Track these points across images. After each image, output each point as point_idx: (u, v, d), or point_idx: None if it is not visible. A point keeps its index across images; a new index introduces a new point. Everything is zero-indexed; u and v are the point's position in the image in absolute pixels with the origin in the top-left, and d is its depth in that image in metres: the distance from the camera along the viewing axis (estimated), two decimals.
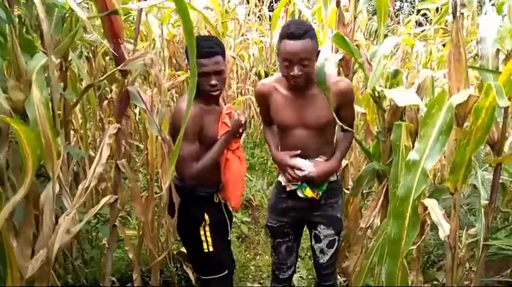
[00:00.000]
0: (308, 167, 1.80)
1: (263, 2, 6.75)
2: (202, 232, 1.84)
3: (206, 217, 1.84)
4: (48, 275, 1.48)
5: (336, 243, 1.93)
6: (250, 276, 2.95)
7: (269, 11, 6.42)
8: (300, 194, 1.86)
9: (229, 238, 2.02)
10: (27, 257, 1.37)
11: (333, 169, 1.86)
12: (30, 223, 1.36)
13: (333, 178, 1.89)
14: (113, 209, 1.83)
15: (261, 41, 4.92)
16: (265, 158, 5.42)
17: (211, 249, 1.86)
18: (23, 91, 1.50)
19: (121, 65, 1.63)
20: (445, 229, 1.45)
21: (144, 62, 1.64)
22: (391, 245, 1.37)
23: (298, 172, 1.79)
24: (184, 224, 1.86)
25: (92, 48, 2.91)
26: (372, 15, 7.34)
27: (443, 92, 1.28)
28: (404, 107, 1.90)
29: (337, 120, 1.76)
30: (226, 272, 1.92)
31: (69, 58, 2.34)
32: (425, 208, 1.56)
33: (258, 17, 6.29)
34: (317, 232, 1.93)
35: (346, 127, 1.81)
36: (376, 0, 2.33)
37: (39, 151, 1.39)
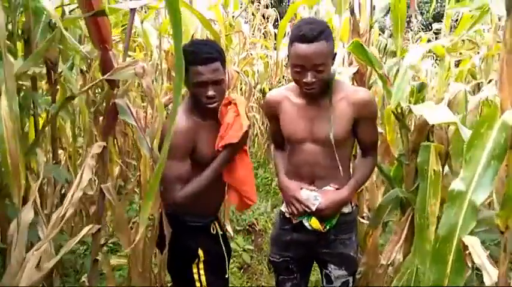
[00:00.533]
0: (316, 199, 1.57)
1: (268, 19, 6.63)
2: (195, 270, 1.59)
3: (200, 252, 1.58)
4: None
5: (351, 284, 1.67)
6: None
7: (274, 27, 6.29)
8: (305, 222, 1.61)
9: (227, 276, 1.73)
10: None
11: (345, 201, 1.59)
12: None
13: (346, 210, 1.63)
14: (95, 241, 1.57)
15: (266, 56, 4.73)
16: (269, 178, 5.18)
17: (204, 284, 1.61)
18: None
19: (107, 74, 1.40)
20: (491, 275, 1.19)
21: (135, 71, 1.41)
22: None
23: (305, 207, 1.56)
24: (175, 260, 1.60)
25: (88, 60, 2.72)
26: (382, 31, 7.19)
27: (494, 108, 1.04)
28: (432, 125, 1.66)
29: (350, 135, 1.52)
30: None
31: (59, 70, 2.14)
32: (465, 247, 1.30)
33: (263, 33, 6.15)
34: (328, 271, 1.66)
35: (366, 148, 1.57)
36: (392, 10, 2.14)
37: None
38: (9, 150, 1.21)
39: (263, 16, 6.55)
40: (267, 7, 6.83)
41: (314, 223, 1.59)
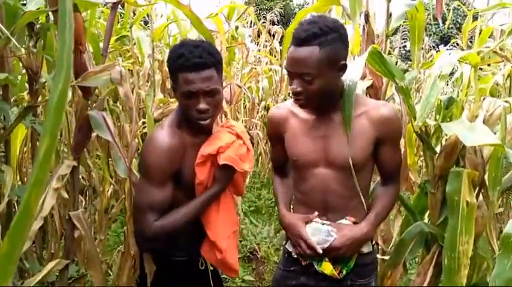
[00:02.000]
0: (330, 235, 1.30)
1: (274, 36, 6.48)
2: None
3: None
4: None
5: None
6: None
7: (280, 45, 6.12)
8: (316, 266, 1.34)
9: None
10: None
11: (365, 238, 1.31)
12: None
13: (365, 249, 1.35)
14: (61, 280, 1.32)
15: (270, 70, 4.52)
16: (272, 200, 4.91)
17: None
18: None
19: (78, 80, 1.18)
20: None
21: (111, 76, 1.19)
22: None
23: (311, 251, 1.29)
24: None
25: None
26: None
27: None
28: (463, 147, 1.42)
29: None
30: None
31: (43, 80, 1.94)
32: None
33: (269, 51, 5.98)
34: None
35: (387, 174, 1.32)
36: (410, 19, 1.92)
37: None
38: None
39: (269, 33, 6.40)
40: (273, 24, 6.69)
41: (326, 268, 1.31)
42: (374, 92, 1.92)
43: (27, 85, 2.21)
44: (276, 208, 4.55)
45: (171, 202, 1.25)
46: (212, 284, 1.40)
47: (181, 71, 1.22)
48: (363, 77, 1.97)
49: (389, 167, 1.37)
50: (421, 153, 1.57)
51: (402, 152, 1.55)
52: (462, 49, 3.16)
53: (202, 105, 1.24)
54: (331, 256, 1.28)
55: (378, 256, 1.78)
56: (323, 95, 1.23)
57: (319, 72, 1.19)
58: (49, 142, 0.28)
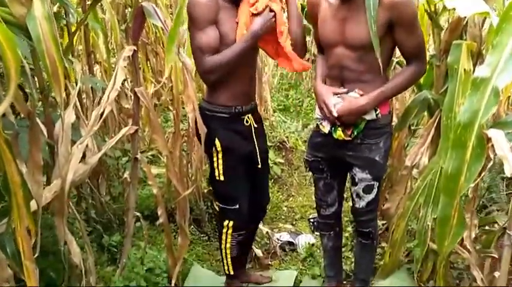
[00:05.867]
0: (337, 101, 1.58)
1: None
2: (214, 159, 1.69)
3: (217, 143, 1.65)
4: (63, 207, 1.39)
5: (375, 189, 1.70)
6: (282, 217, 2.85)
7: None
8: (332, 134, 1.65)
9: (259, 166, 1.79)
10: (39, 183, 1.26)
11: (362, 109, 1.55)
12: (37, 147, 1.23)
13: (368, 117, 1.59)
14: (133, 141, 1.70)
15: None
16: (300, 99, 5.17)
17: (221, 178, 1.72)
18: (25, 5, 1.34)
19: None
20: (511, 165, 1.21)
21: None
22: (447, 181, 1.15)
23: (329, 112, 1.58)
24: (205, 147, 1.71)
25: None
26: None
27: None
28: (466, 23, 1.59)
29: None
30: (237, 206, 1.76)
31: None
32: (487, 140, 1.31)
33: None
34: (353, 174, 1.71)
35: (407, 56, 1.51)
36: None
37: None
38: (47, 50, 1.28)
39: None
40: None
41: (339, 135, 1.62)
42: None
43: None
44: (303, 106, 4.78)
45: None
46: (255, 139, 1.75)
47: None
48: None
49: (408, 49, 1.52)
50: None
51: None
52: None
53: None
54: (340, 120, 1.57)
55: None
56: None
57: None
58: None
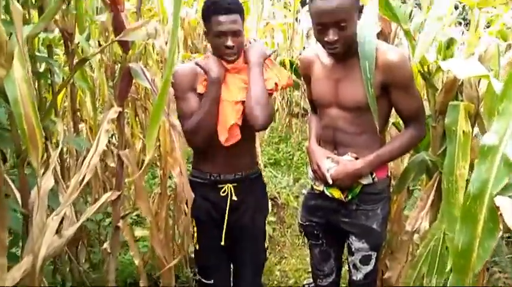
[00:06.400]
0: (331, 166, 1.52)
1: None
2: (192, 224, 1.67)
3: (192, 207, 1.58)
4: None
5: (373, 260, 1.59)
6: (275, 282, 2.67)
7: None
8: (326, 191, 1.56)
9: (222, 243, 1.67)
10: (2, 267, 1.13)
11: (357, 173, 1.48)
12: (2, 225, 1.12)
13: (365, 181, 1.52)
14: (114, 208, 1.57)
15: (284, 24, 4.59)
16: (291, 153, 5.13)
17: (197, 247, 1.69)
18: (4, 66, 1.27)
19: (119, 36, 1.37)
20: None
21: (147, 31, 1.37)
22: (458, 258, 1.05)
23: (322, 177, 1.51)
24: None
25: (106, 33, 2.71)
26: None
27: None
28: (461, 84, 1.56)
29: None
30: (212, 282, 1.67)
31: (76, 41, 2.13)
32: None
33: (283, 5, 5.99)
34: (349, 242, 1.61)
35: (404, 119, 1.48)
36: None
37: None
38: (25, 114, 1.21)
39: None
40: None
41: (334, 192, 1.54)
42: (383, 38, 2.04)
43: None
44: (293, 159, 4.75)
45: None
46: (229, 211, 1.65)
47: (214, 14, 1.50)
48: None
49: (405, 111, 1.48)
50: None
51: None
52: None
53: (230, 43, 1.52)
54: (334, 184, 1.49)
55: None
56: (349, 39, 1.38)
57: (351, 16, 1.34)
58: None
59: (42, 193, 1.37)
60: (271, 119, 1.62)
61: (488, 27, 2.87)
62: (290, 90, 5.45)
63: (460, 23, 4.90)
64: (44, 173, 1.40)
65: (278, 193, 3.86)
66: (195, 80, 1.62)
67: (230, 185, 1.66)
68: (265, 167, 4.29)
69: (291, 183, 4.22)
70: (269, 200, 3.62)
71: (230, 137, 1.59)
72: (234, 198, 1.66)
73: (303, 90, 5.16)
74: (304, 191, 4.08)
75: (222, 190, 1.65)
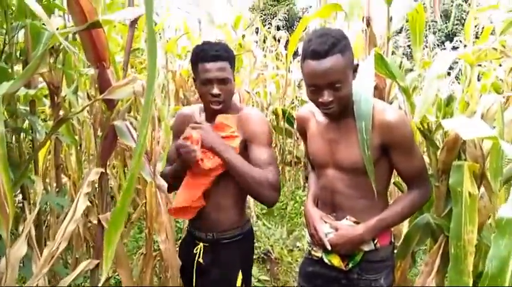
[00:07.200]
0: (329, 231, 1.40)
1: (279, 41, 6.58)
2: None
3: None
4: None
5: None
6: None
7: (285, 49, 6.23)
8: (324, 258, 1.44)
9: None
10: None
11: (359, 239, 1.36)
12: None
13: (366, 248, 1.39)
14: (92, 278, 1.43)
15: (276, 75, 4.62)
16: (284, 202, 4.99)
17: None
18: None
19: (104, 93, 1.29)
20: None
21: (134, 89, 1.30)
22: None
23: (320, 242, 1.39)
24: None
25: (96, 84, 2.66)
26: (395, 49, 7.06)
27: None
28: (463, 142, 1.50)
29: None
30: None
31: (63, 94, 2.06)
32: None
33: (275, 55, 6.09)
34: None
35: (405, 181, 1.39)
36: (410, 21, 2.00)
37: None
38: None
39: (274, 38, 6.51)
40: (278, 29, 6.80)
41: (333, 259, 1.42)
42: (378, 93, 2.00)
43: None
44: (287, 210, 4.59)
45: None
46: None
47: (201, 61, 1.45)
48: None
49: (407, 173, 1.38)
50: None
51: None
52: (465, 46, 3.22)
53: (215, 91, 1.45)
54: (333, 250, 1.37)
55: None
56: (345, 99, 1.31)
57: (345, 77, 1.26)
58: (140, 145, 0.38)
59: (11, 263, 1.24)
60: (279, 185, 1.48)
61: (479, 80, 2.88)
62: (283, 138, 5.41)
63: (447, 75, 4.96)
64: (16, 240, 1.27)
65: (271, 246, 3.69)
66: (184, 126, 1.53)
67: (202, 245, 1.52)
68: (257, 218, 4.14)
69: (285, 235, 4.05)
70: (260, 257, 3.49)
71: (177, 213, 1.46)
72: (203, 261, 1.50)
73: (295, 138, 5.12)
74: (299, 244, 3.94)
75: (196, 248, 1.52)
